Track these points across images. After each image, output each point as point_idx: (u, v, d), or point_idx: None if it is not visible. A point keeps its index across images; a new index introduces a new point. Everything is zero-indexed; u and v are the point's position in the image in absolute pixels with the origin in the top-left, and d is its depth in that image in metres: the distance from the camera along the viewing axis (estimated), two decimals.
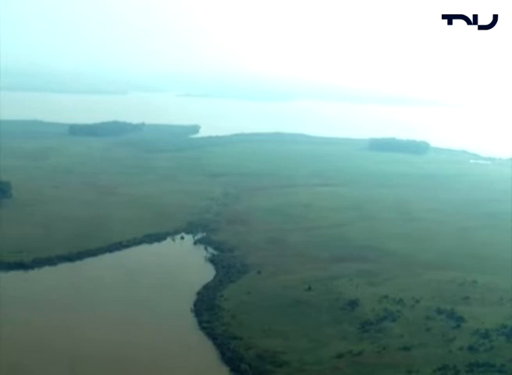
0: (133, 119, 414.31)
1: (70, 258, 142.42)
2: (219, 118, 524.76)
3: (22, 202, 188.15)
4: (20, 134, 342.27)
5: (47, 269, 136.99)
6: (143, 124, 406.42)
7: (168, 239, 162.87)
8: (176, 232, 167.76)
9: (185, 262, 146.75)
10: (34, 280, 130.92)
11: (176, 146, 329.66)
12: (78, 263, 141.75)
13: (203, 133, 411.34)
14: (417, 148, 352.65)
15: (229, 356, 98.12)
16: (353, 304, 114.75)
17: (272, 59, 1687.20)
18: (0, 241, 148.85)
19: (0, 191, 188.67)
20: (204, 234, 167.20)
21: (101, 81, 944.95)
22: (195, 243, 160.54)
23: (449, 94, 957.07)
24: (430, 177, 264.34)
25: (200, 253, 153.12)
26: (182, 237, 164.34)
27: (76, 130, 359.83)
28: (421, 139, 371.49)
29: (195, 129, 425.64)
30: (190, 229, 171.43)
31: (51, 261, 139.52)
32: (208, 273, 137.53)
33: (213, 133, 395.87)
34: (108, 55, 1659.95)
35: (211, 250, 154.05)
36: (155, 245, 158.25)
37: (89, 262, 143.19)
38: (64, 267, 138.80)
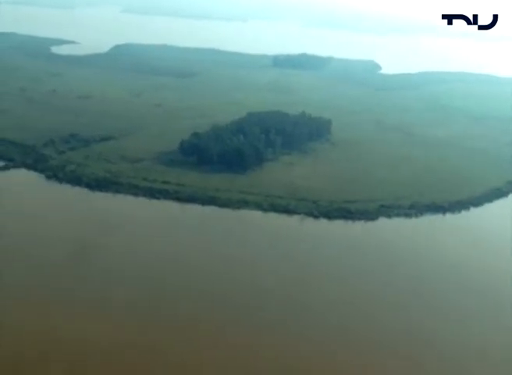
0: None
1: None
2: (375, 52, 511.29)
3: (342, 140, 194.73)
4: (223, 64, 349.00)
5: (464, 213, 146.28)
6: (331, 58, 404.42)
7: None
8: None
9: None
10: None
11: (387, 84, 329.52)
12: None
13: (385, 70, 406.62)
14: None
15: None
16: None
17: None
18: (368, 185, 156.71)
19: (324, 129, 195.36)
20: None
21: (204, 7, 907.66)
22: None
23: None
24: None
25: None
26: None
27: (279, 62, 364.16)
28: None
29: (375, 65, 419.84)
30: None
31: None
32: None
33: (392, 70, 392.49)
34: None
35: None
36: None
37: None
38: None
